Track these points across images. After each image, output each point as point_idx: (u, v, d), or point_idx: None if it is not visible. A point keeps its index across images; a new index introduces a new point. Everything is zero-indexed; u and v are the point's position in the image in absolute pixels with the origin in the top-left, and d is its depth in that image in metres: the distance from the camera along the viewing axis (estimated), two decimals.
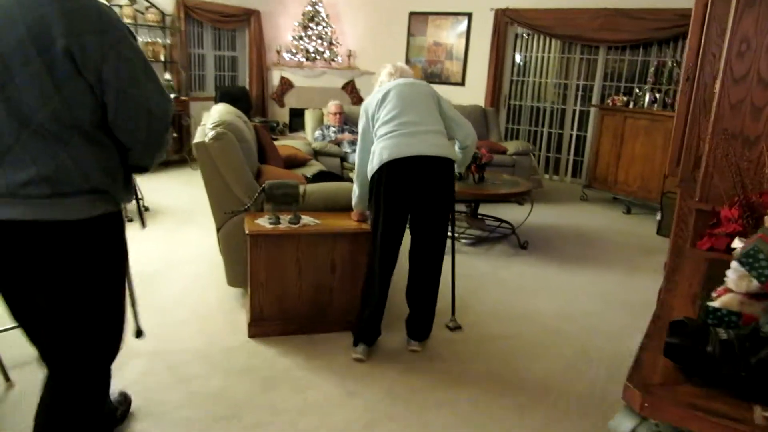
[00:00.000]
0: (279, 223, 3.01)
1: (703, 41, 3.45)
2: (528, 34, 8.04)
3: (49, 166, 1.51)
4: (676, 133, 3.71)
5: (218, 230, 3.36)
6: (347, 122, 6.18)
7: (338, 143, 5.87)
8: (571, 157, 7.99)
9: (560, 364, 2.98)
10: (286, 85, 8.71)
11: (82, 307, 1.67)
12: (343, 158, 5.72)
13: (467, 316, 3.46)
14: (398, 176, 2.81)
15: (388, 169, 2.80)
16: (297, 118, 8.70)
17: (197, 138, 3.25)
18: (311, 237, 3.00)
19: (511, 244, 4.92)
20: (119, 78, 1.53)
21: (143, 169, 1.79)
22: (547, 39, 7.90)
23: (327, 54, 8.68)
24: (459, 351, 3.06)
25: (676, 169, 3.73)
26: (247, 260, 3.00)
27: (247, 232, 2.91)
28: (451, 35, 8.43)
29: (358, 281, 3.07)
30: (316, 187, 3.42)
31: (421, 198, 2.86)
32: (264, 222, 3.05)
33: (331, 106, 6.07)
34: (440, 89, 8.66)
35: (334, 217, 3.23)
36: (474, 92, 8.31)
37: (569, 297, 3.87)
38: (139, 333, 2.37)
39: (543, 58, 7.98)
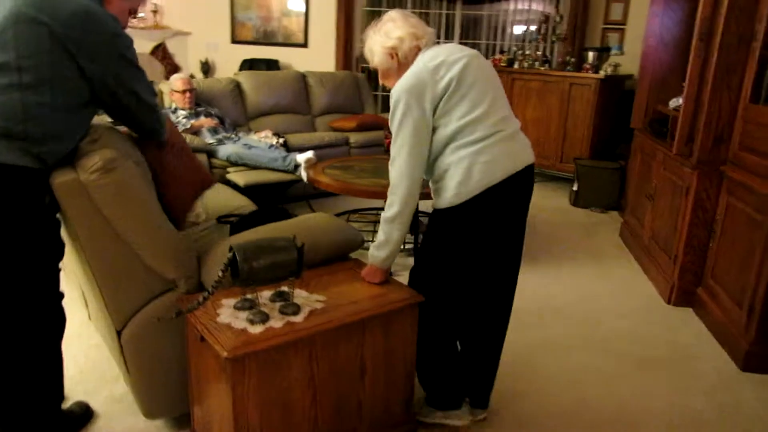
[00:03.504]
0: (266, 317, 1.68)
1: None
2: None
3: None
4: (687, 104, 3.06)
5: (120, 332, 1.87)
6: (200, 102, 4.59)
7: (195, 132, 4.29)
8: None
9: None
10: None
11: None
12: (211, 154, 4.19)
13: None
14: (511, 200, 1.94)
15: (499, 191, 1.87)
16: None
17: (60, 175, 1.69)
18: (331, 335, 1.72)
19: None
20: None
21: None
22: None
23: None
24: None
25: (686, 148, 3.09)
26: (222, 396, 1.63)
27: (225, 354, 1.52)
28: None
29: (396, 377, 1.91)
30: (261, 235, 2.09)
31: (514, 225, 2.01)
32: (237, 318, 1.68)
33: (177, 81, 4.42)
34: (280, 53, 7.40)
35: (327, 280, 1.97)
36: (320, 55, 7.08)
37: (572, 309, 3.10)
38: None
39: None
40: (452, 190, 1.86)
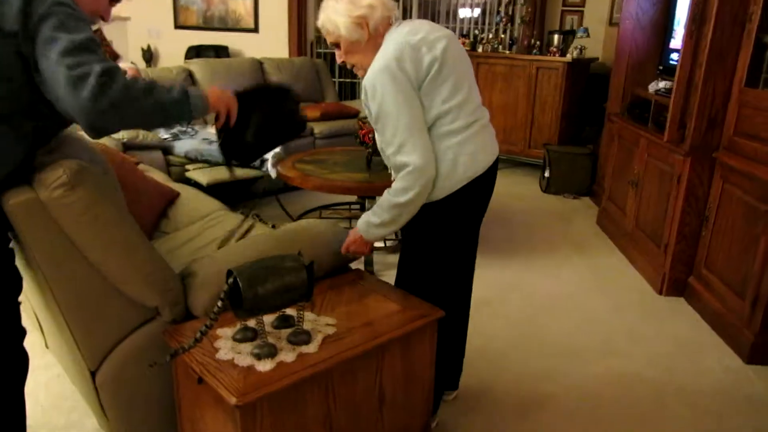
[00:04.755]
0: (275, 350, 1.44)
1: None
2: None
3: None
4: (678, 87, 2.96)
5: (94, 373, 1.59)
6: None
7: None
8: None
9: None
10: None
11: None
12: (167, 150, 3.84)
13: (471, 378, 2.33)
14: (485, 189, 1.89)
15: (478, 182, 1.80)
16: None
17: (13, 195, 1.39)
18: (348, 365, 1.50)
19: None
20: None
21: None
22: None
23: None
24: None
25: (678, 133, 3.00)
26: None
27: (234, 401, 1.27)
28: None
29: (415, 401, 1.72)
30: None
31: (483, 212, 1.97)
32: (240, 353, 1.43)
33: (125, 69, 4.03)
34: (229, 39, 6.98)
35: (334, 298, 1.74)
36: (272, 40, 6.73)
37: (566, 305, 2.97)
38: None
39: None
40: (437, 184, 1.74)
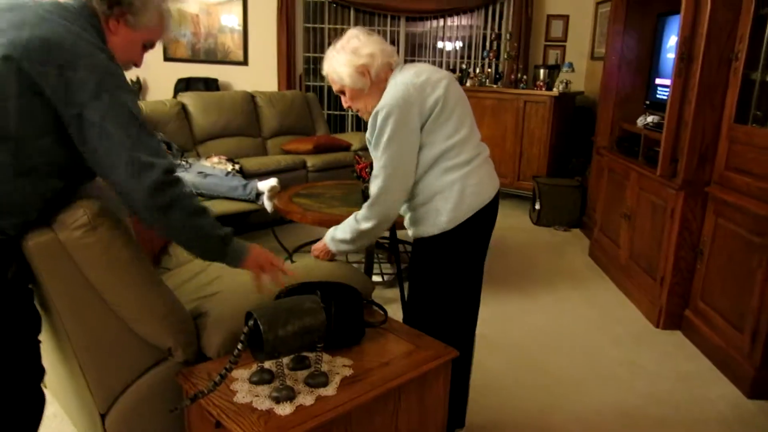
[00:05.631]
0: (293, 393, 1.42)
1: (709, 11, 2.80)
2: (320, 3, 6.78)
3: None
4: (669, 123, 3.04)
5: (104, 416, 1.55)
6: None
7: None
8: None
9: None
10: None
11: None
12: None
13: (478, 415, 2.32)
14: (491, 221, 1.96)
15: (483, 213, 1.87)
16: None
17: (35, 236, 1.37)
18: (367, 407, 1.48)
19: None
20: None
21: None
22: (344, 9, 6.77)
23: None
24: None
25: (670, 167, 3.07)
26: None
27: None
28: (222, 2, 6.67)
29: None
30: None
31: (487, 242, 2.03)
32: (258, 396, 1.41)
33: None
34: (218, 71, 7.00)
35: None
36: (261, 73, 6.77)
37: (566, 338, 2.98)
38: None
39: (338, 31, 6.83)
40: (445, 215, 1.82)
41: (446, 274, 1.90)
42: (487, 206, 1.88)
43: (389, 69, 1.85)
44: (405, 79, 1.79)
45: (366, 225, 1.86)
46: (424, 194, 1.85)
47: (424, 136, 1.79)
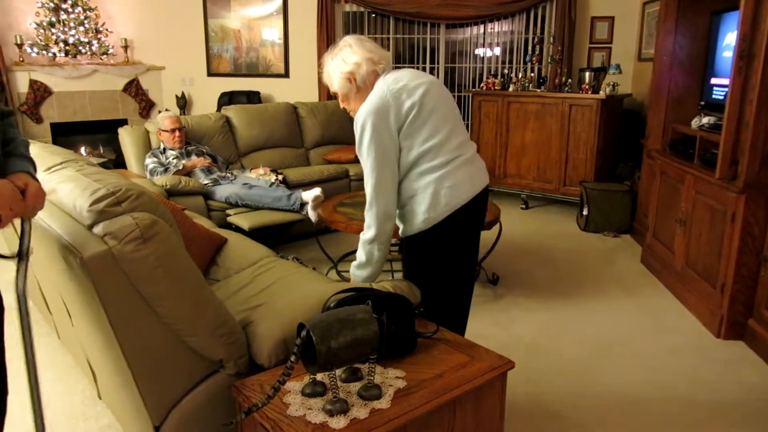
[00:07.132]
0: (346, 406, 1.38)
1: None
2: (360, 12, 6.82)
3: None
4: (729, 124, 2.91)
5: (158, 428, 1.55)
6: (189, 141, 4.27)
7: (188, 173, 3.96)
8: None
9: None
10: (40, 91, 6.14)
11: None
12: (207, 195, 3.86)
13: (530, 428, 2.23)
14: (472, 218, 2.04)
15: (462, 212, 1.97)
16: (63, 137, 6.24)
17: (89, 247, 1.38)
18: (422, 420, 1.44)
19: (477, 281, 3.74)
20: None
21: None
22: (384, 18, 6.79)
23: (95, 46, 6.33)
24: None
25: (730, 170, 2.93)
26: None
27: None
28: (263, 16, 6.78)
29: None
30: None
31: (474, 237, 2.15)
32: (311, 409, 1.38)
33: (165, 120, 4.09)
34: (260, 84, 7.11)
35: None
36: (302, 85, 6.85)
37: (621, 348, 2.86)
38: None
39: (380, 41, 6.85)
40: (421, 216, 1.95)
41: (433, 269, 2.04)
42: (468, 204, 1.97)
43: (375, 76, 1.97)
44: (383, 85, 1.92)
45: (369, 233, 1.97)
46: (403, 196, 1.99)
47: (402, 140, 1.90)
